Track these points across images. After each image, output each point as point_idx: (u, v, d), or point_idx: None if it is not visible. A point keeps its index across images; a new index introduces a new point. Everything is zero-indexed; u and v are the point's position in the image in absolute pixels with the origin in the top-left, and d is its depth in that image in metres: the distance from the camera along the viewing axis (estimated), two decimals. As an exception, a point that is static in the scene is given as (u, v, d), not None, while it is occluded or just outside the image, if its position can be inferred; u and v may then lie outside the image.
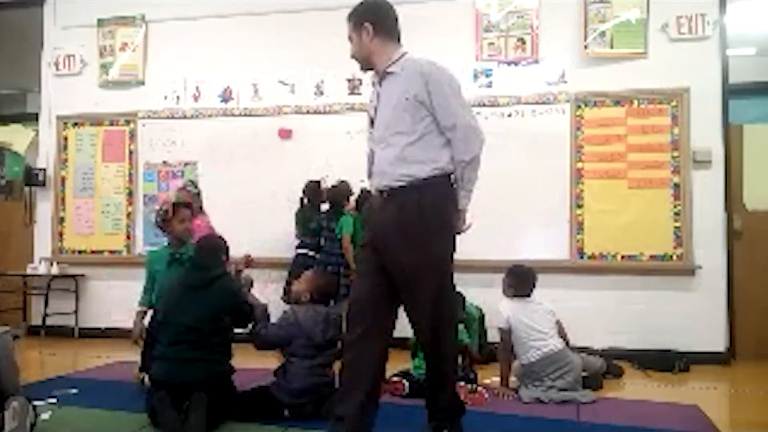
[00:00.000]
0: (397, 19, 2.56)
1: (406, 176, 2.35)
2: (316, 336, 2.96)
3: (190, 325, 2.84)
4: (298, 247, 4.68)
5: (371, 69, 2.53)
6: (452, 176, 2.43)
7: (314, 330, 2.97)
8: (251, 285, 3.39)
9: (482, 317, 4.47)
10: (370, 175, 2.52)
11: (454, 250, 2.45)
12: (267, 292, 4.73)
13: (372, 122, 2.52)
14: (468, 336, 3.86)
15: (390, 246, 2.37)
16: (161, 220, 3.59)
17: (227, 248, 3.25)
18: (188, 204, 3.80)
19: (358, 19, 2.50)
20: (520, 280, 3.60)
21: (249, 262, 3.62)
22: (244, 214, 5.22)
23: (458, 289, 4.31)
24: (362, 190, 4.52)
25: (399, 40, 2.54)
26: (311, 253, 4.59)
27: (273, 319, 3.12)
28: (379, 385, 2.42)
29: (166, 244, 3.68)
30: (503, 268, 3.74)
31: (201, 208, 4.35)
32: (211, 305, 2.90)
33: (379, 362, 2.39)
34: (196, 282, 2.99)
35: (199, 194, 4.37)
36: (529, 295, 3.57)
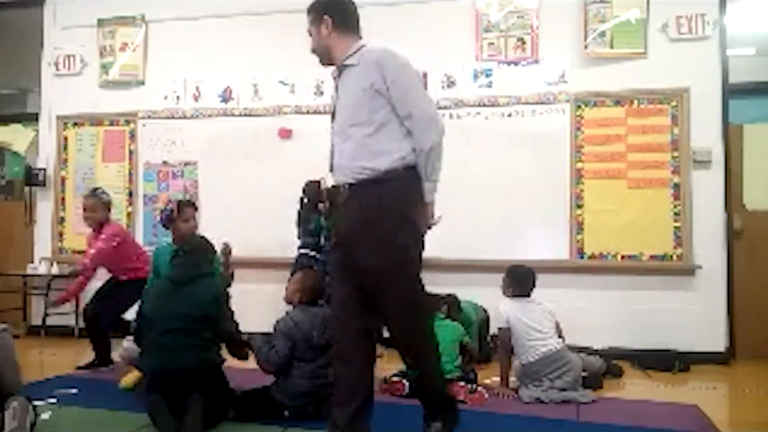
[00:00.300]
0: (356, 12, 2.51)
1: (367, 169, 2.30)
2: (313, 338, 2.96)
3: (179, 316, 2.87)
4: (300, 248, 4.68)
5: (332, 64, 2.49)
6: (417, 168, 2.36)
7: (311, 332, 2.96)
8: (230, 252, 3.62)
9: (487, 318, 4.46)
10: (331, 170, 2.47)
11: (422, 244, 2.40)
12: (267, 293, 4.75)
13: (333, 116, 2.48)
14: (469, 336, 3.86)
15: (354, 245, 2.33)
16: (166, 219, 3.72)
17: (214, 251, 3.32)
18: (193, 203, 3.90)
19: (317, 12, 2.47)
20: (520, 280, 3.60)
21: (229, 251, 3.70)
22: (244, 214, 5.22)
23: (457, 289, 4.39)
24: None
25: (359, 33, 2.50)
26: (312, 253, 4.59)
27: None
28: (370, 391, 2.39)
29: (170, 240, 3.76)
30: (503, 268, 3.75)
31: (108, 218, 4.24)
32: (198, 299, 2.92)
33: (368, 368, 2.37)
34: (183, 276, 3.03)
35: (108, 202, 4.26)
36: (528, 295, 3.58)
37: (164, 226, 3.78)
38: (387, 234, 2.26)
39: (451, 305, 4.03)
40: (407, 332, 2.36)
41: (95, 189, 4.33)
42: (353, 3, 2.52)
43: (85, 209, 4.20)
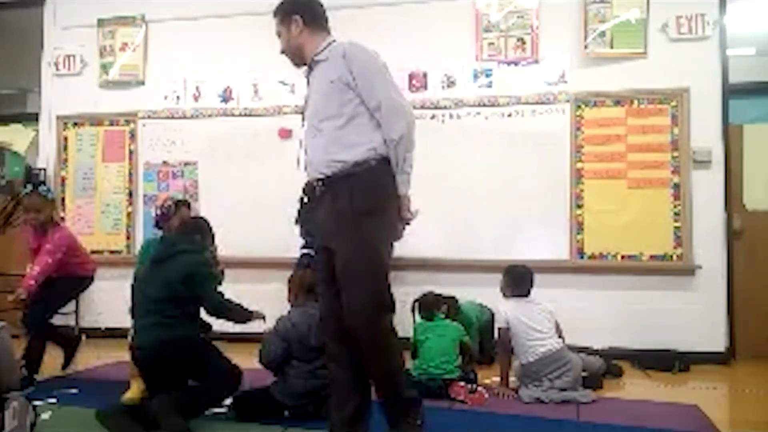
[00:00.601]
0: (324, 9, 2.50)
1: (338, 162, 2.27)
2: (310, 339, 2.95)
3: (151, 296, 2.91)
4: (302, 248, 4.68)
5: (304, 64, 2.47)
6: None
7: (307, 333, 2.95)
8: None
9: (492, 317, 4.45)
10: (305, 167, 2.44)
11: (393, 238, 2.36)
12: (268, 293, 4.74)
13: (304, 115, 2.47)
14: (469, 336, 3.86)
15: (329, 239, 2.33)
16: (161, 215, 3.62)
17: (212, 234, 3.34)
18: (188, 204, 3.82)
19: (285, 12, 2.45)
20: (518, 280, 3.61)
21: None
22: (244, 214, 5.22)
23: (457, 289, 4.38)
24: None
25: (328, 29, 2.48)
26: (314, 253, 4.59)
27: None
28: (367, 391, 2.37)
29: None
30: (503, 267, 3.76)
31: (52, 218, 3.82)
32: (167, 279, 2.93)
33: (360, 371, 2.33)
34: (159, 255, 3.06)
35: (53, 200, 3.89)
36: (527, 295, 3.58)
37: (157, 222, 3.64)
38: (357, 224, 2.23)
39: (451, 306, 4.03)
40: (369, 327, 2.25)
41: (36, 185, 3.93)
42: (320, 0, 2.52)
43: (27, 209, 3.74)
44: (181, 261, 3.00)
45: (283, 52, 2.51)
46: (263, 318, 3.19)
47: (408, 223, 2.39)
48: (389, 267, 2.35)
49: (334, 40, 2.43)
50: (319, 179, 2.34)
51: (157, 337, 2.84)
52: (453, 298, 4.14)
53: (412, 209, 2.37)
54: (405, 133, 2.27)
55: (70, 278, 3.82)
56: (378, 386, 2.35)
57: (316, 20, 2.45)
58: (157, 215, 3.67)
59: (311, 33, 2.43)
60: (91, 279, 4.08)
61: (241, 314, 3.12)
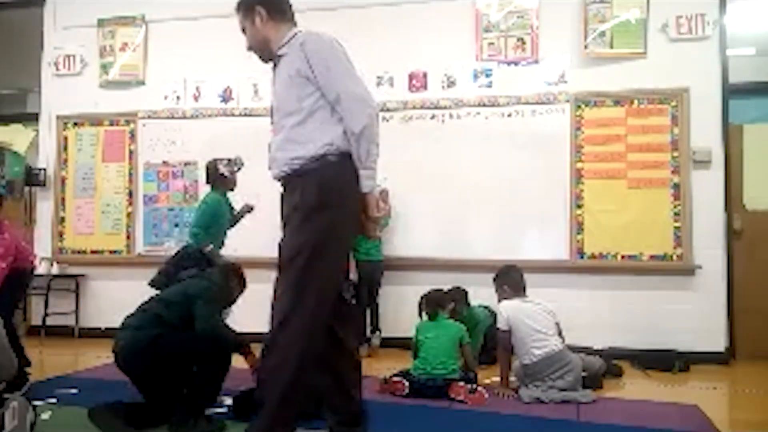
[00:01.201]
0: (289, 0, 2.38)
1: (295, 159, 2.16)
2: None
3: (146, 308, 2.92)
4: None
5: (272, 59, 2.33)
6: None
7: None
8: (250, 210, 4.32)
9: (496, 320, 4.45)
10: (269, 166, 2.30)
11: (348, 236, 2.23)
12: (268, 293, 4.74)
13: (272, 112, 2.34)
14: (470, 335, 3.85)
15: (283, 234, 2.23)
16: (230, 173, 4.12)
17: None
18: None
19: (247, 6, 2.33)
20: (514, 281, 3.62)
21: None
22: (244, 214, 5.22)
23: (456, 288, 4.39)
24: None
25: (293, 20, 2.35)
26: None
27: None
28: (359, 394, 2.31)
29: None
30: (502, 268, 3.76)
31: None
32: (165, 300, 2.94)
33: (349, 374, 2.27)
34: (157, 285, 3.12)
35: (2, 197, 3.75)
36: (524, 293, 3.59)
37: (223, 174, 4.09)
38: (303, 221, 2.11)
39: (459, 299, 4.05)
40: (280, 327, 2.08)
41: None
42: None
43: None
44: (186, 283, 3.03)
45: (250, 48, 2.39)
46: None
47: (375, 221, 2.24)
48: (340, 266, 2.22)
49: (299, 31, 2.27)
50: (280, 177, 2.24)
51: (124, 339, 2.80)
52: (460, 288, 4.16)
53: (384, 207, 2.26)
54: (366, 125, 2.13)
55: (15, 275, 3.62)
56: (259, 382, 2.19)
57: (281, 11, 2.33)
58: (227, 170, 4.11)
59: (276, 24, 2.30)
60: (32, 272, 3.92)
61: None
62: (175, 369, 2.79)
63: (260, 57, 2.39)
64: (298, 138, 2.17)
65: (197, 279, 3.07)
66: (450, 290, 4.06)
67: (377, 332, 4.73)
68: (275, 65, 2.32)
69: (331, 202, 2.12)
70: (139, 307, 2.95)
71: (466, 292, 4.29)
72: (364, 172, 2.16)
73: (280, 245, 2.21)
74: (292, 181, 2.20)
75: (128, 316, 2.91)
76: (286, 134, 2.20)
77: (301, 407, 2.13)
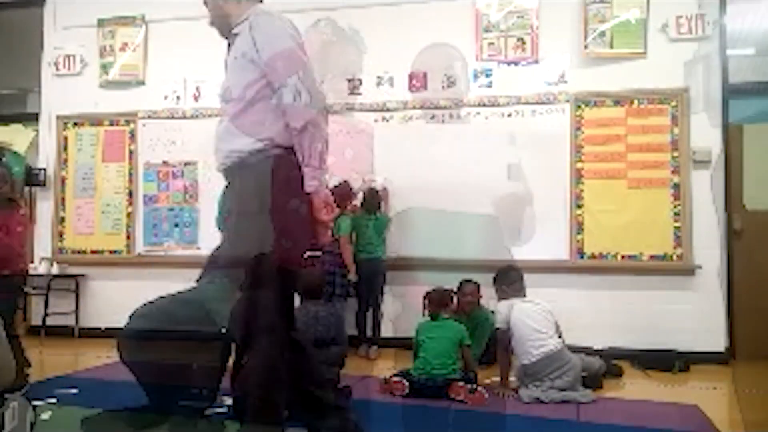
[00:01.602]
0: None
1: (235, 152, 2.04)
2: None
3: None
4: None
5: (227, 37, 2.17)
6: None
7: (306, 332, 2.95)
8: None
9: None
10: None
11: (287, 239, 1.99)
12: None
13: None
14: (472, 336, 3.84)
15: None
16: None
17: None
18: None
19: None
20: (514, 279, 3.63)
21: None
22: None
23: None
24: (369, 189, 4.53)
25: None
26: (316, 253, 4.58)
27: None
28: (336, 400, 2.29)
29: None
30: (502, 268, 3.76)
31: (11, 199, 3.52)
32: None
33: (296, 379, 2.19)
34: None
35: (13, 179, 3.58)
36: (524, 294, 3.60)
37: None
38: (238, 220, 2.02)
39: (473, 292, 4.25)
40: (269, 325, 2.03)
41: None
42: None
43: None
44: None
45: (211, 23, 2.21)
46: None
47: (323, 224, 2.09)
48: (266, 270, 2.00)
49: (260, 11, 2.11)
50: (221, 170, 2.14)
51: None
52: (470, 281, 4.22)
53: (334, 208, 2.12)
54: (310, 120, 1.96)
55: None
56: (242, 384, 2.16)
57: None
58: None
59: (238, 1, 2.12)
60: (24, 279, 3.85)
61: None
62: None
63: (220, 34, 2.22)
64: (239, 130, 2.04)
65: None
66: (448, 290, 4.05)
67: (374, 347, 4.50)
68: (229, 45, 2.16)
69: (278, 203, 1.97)
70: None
71: (479, 286, 4.30)
72: (308, 170, 2.00)
73: (222, 242, 2.13)
74: (230, 174, 2.10)
75: None
76: (227, 124, 2.10)
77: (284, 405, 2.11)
